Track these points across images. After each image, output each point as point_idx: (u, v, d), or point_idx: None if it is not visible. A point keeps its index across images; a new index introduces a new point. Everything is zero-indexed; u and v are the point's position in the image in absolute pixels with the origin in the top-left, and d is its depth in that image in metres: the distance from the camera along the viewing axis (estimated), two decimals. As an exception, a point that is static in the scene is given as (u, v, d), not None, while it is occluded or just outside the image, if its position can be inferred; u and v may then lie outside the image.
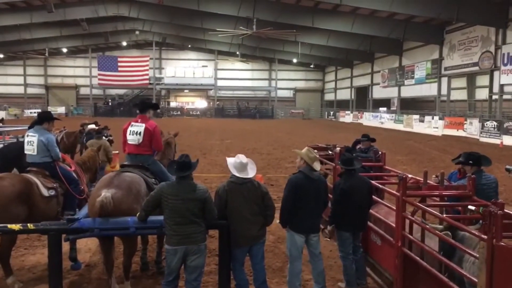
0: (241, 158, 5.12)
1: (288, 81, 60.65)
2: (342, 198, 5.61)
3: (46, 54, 51.90)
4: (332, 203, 5.59)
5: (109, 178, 5.32)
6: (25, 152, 6.19)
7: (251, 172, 5.08)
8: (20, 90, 57.01)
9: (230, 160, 5.18)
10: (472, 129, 28.27)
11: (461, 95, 33.71)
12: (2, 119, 23.81)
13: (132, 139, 5.88)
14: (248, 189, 5.03)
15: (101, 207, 4.84)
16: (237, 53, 53.75)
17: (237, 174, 5.03)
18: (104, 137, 11.69)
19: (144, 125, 5.88)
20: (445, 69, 33.07)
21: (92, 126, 11.92)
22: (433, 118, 33.29)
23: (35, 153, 6.08)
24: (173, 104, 59.96)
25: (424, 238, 4.95)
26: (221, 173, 13.37)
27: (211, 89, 59.15)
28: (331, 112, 56.73)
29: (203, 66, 58.60)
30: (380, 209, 6.25)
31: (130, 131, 5.92)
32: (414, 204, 5.09)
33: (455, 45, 31.61)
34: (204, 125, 39.14)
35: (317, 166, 5.37)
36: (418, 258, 4.86)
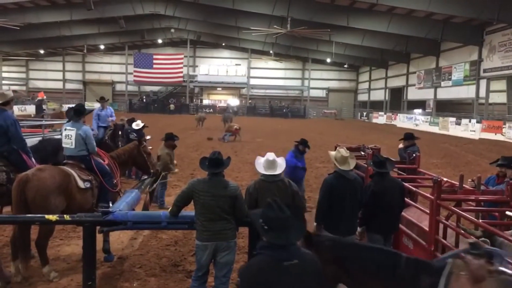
0: (268, 155, 5.11)
1: (321, 80, 60.21)
2: (373, 200, 5.50)
3: (85, 51, 53.22)
4: (363, 205, 5.50)
5: None
6: (63, 145, 6.37)
7: (279, 169, 5.04)
8: (59, 85, 58.68)
9: (258, 160, 5.18)
10: (511, 133, 27.37)
11: (501, 98, 32.65)
12: (42, 115, 24.58)
13: None
14: (279, 188, 5.01)
15: None
16: (271, 52, 53.73)
17: (264, 172, 5.03)
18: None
19: None
20: (484, 71, 32.07)
21: (139, 122, 12.13)
22: (470, 121, 32.38)
23: (73, 146, 6.24)
24: (205, 101, 60.45)
25: (458, 243, 4.84)
26: (251, 171, 13.40)
27: (243, 88, 59.38)
28: (364, 113, 56.00)
29: (236, 64, 58.88)
30: (413, 212, 6.13)
31: None
32: (448, 208, 4.98)
33: (495, 47, 30.62)
34: (236, 123, 39.24)
35: (347, 166, 5.29)
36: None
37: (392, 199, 5.53)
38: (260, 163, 5.10)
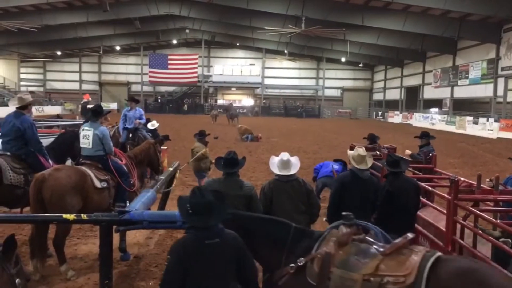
0: (283, 155, 5.11)
1: (336, 80, 59.96)
2: (388, 200, 5.45)
3: (101, 52, 53.75)
4: (378, 205, 5.46)
5: None
6: (81, 145, 6.48)
7: (293, 169, 5.03)
8: (75, 86, 59.36)
9: (273, 160, 5.16)
10: (530, 132, 26.93)
11: (519, 96, 32.16)
12: (58, 115, 24.93)
13: None
14: (293, 187, 5.01)
15: None
16: (285, 51, 53.63)
17: (278, 172, 5.02)
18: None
19: None
20: (502, 69, 31.58)
21: (154, 122, 12.24)
22: (487, 120, 31.93)
23: (90, 146, 6.33)
24: (220, 101, 60.58)
25: (476, 243, 4.78)
26: (266, 171, 13.39)
27: (258, 87, 59.40)
28: (380, 112, 55.59)
29: (250, 64, 58.94)
30: (429, 212, 6.08)
31: None
32: (466, 209, 4.91)
33: (513, 44, 30.18)
34: (250, 123, 39.33)
35: (364, 165, 5.27)
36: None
37: (408, 199, 5.47)
38: (274, 163, 5.09)
